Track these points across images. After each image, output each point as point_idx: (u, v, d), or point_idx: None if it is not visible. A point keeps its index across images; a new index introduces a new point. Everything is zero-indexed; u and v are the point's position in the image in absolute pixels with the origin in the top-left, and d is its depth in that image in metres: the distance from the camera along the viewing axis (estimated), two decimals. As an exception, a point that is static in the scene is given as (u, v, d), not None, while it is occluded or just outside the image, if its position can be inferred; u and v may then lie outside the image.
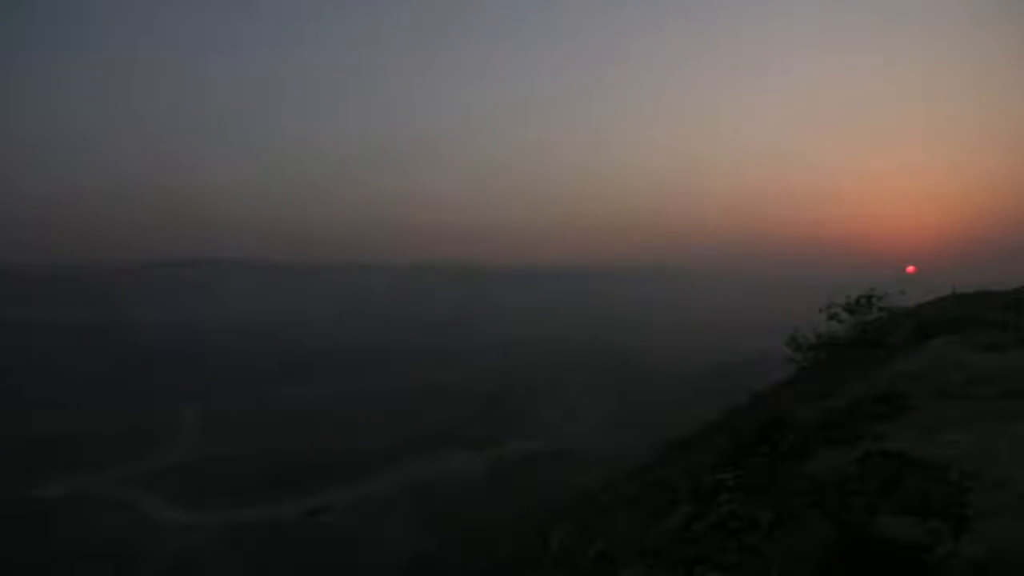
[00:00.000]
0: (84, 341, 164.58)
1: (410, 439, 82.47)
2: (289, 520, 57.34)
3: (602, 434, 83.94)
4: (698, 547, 4.93)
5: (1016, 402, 6.41)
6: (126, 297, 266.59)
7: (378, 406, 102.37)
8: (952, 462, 4.64)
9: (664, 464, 10.77)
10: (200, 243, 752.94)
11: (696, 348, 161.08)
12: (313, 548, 51.86)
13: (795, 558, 3.89)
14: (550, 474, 62.58)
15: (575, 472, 55.79)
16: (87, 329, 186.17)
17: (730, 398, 17.92)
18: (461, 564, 34.64)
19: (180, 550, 51.73)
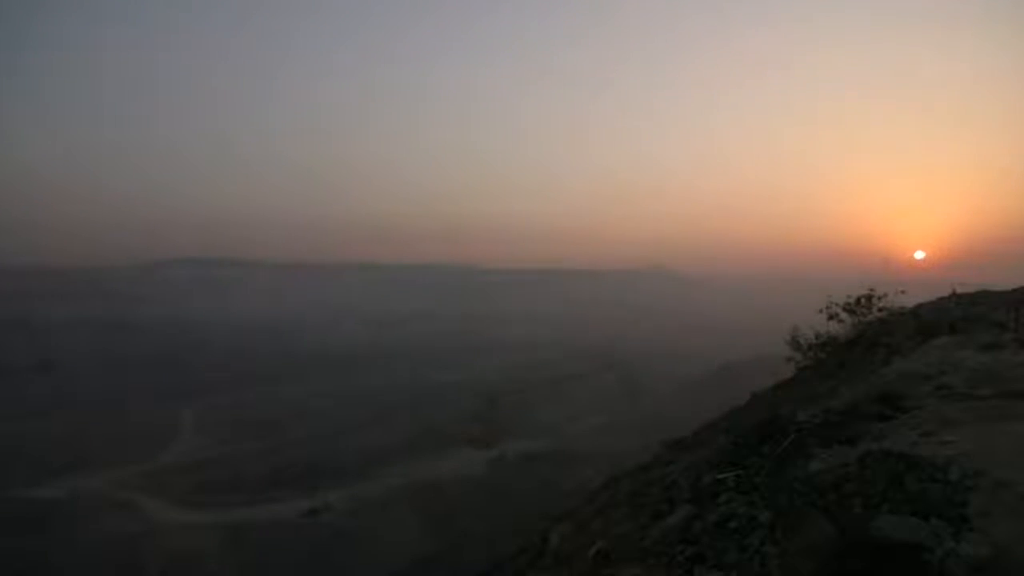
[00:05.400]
0: (85, 341, 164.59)
1: (410, 439, 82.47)
2: (289, 520, 57.33)
3: (602, 434, 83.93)
4: (698, 547, 4.93)
5: (1016, 402, 6.40)
6: (127, 296, 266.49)
7: (378, 406, 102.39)
8: (952, 462, 4.63)
9: (664, 464, 10.76)
10: (201, 242, 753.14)
11: (696, 348, 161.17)
12: (313, 548, 51.85)
13: (795, 558, 3.89)
14: (550, 474, 62.65)
15: (575, 472, 55.84)
16: (88, 329, 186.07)
17: (730, 398, 17.92)
18: (461, 564, 34.64)
19: (180, 550, 51.69)
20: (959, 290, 17.38)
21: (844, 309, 16.38)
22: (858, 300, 16.40)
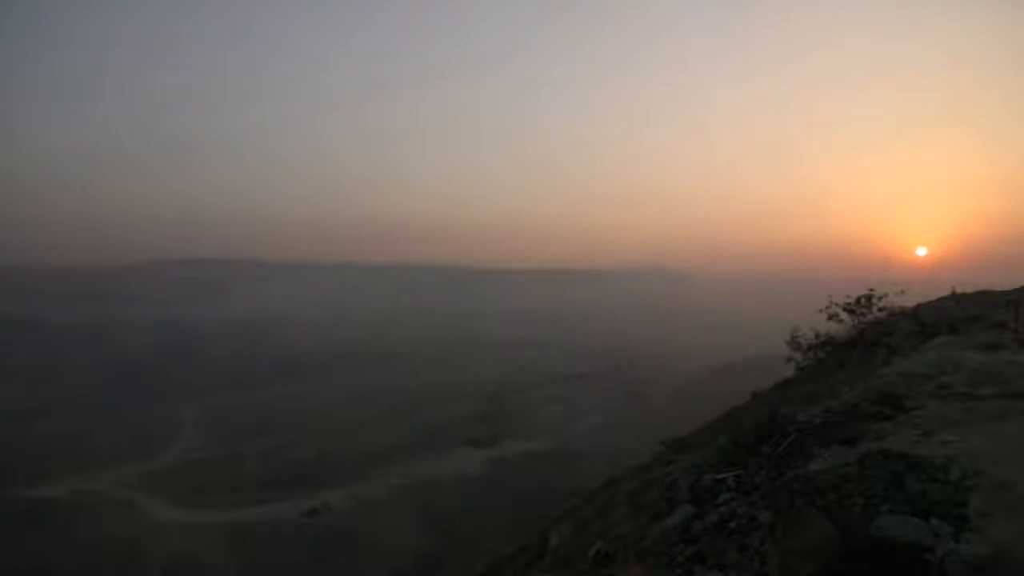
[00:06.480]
0: (85, 341, 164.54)
1: (410, 439, 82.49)
2: (289, 520, 57.33)
3: (602, 434, 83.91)
4: (698, 547, 4.93)
5: (1016, 402, 6.41)
6: (126, 297, 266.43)
7: (378, 406, 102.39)
8: (952, 462, 4.64)
9: (664, 464, 10.76)
10: (199, 243, 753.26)
11: (696, 348, 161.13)
12: (313, 548, 51.86)
13: (795, 558, 3.89)
14: (550, 474, 62.59)
15: (575, 472, 55.83)
16: (88, 329, 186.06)
17: (730, 398, 17.92)
18: (461, 564, 34.63)
19: (180, 550, 51.70)
20: (959, 290, 17.37)
21: (844, 309, 16.38)
22: (858, 300, 16.40)
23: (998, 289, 16.50)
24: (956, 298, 16.59)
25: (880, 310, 16.23)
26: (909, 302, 16.58)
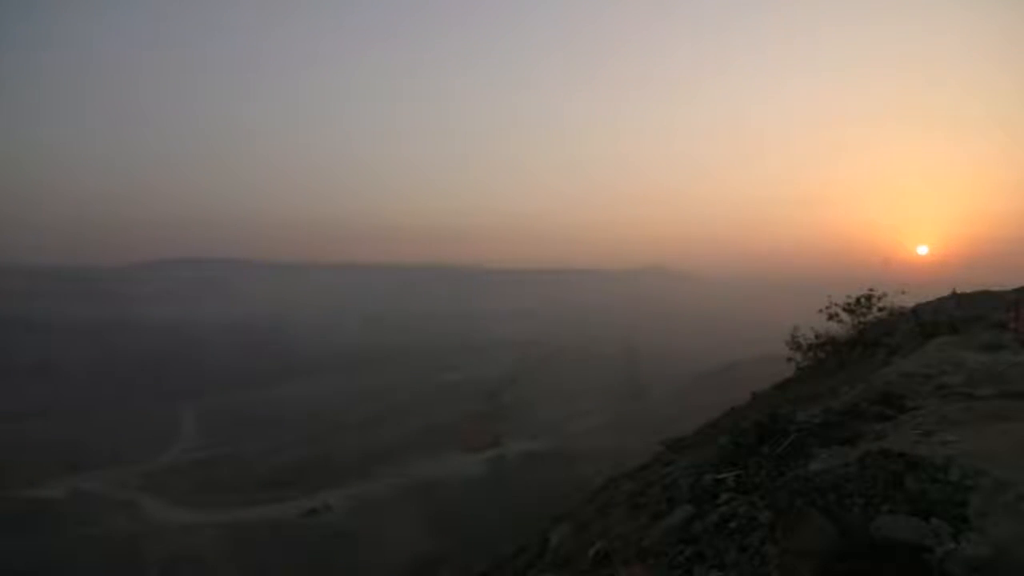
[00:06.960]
0: (85, 341, 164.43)
1: (410, 439, 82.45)
2: (289, 520, 57.31)
3: (602, 434, 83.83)
4: (698, 547, 4.93)
5: (1016, 402, 6.42)
6: (127, 297, 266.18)
7: (378, 406, 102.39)
8: (952, 462, 4.64)
9: (664, 464, 10.77)
10: (199, 243, 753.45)
11: (696, 348, 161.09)
12: (313, 548, 51.85)
13: (795, 558, 3.89)
14: (550, 474, 62.53)
15: (575, 472, 55.79)
16: (88, 329, 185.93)
17: (730, 398, 17.95)
18: (461, 564, 34.64)
19: (180, 550, 51.68)
20: (959, 290, 17.38)
21: (844, 309, 16.42)
22: (858, 300, 16.44)
23: (998, 289, 16.52)
24: (956, 298, 16.60)
25: (880, 310, 16.27)
26: (909, 302, 16.60)
